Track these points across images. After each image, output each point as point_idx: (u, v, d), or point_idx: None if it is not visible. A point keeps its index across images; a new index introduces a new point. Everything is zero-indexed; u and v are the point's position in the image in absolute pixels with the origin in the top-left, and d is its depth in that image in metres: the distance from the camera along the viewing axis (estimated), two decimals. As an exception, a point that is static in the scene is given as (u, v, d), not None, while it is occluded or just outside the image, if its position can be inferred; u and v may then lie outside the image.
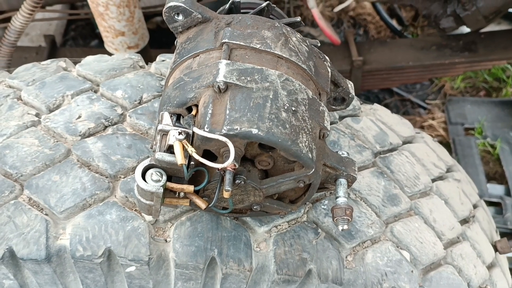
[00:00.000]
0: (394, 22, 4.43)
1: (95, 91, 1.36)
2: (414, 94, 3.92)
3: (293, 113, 0.92)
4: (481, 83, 4.22)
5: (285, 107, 0.91)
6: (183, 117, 0.96)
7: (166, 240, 1.13)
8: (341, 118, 1.45)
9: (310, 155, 0.92)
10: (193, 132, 0.90)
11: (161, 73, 1.41)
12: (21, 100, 1.37)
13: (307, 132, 0.93)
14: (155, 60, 1.48)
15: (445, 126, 3.73)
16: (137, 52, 2.34)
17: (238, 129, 0.86)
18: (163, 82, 1.37)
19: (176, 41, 1.09)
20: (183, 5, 0.99)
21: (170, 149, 0.90)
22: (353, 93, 1.14)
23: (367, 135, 1.43)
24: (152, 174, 0.90)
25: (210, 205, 0.95)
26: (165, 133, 0.92)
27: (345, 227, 1.00)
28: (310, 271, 1.15)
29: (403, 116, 3.75)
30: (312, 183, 0.98)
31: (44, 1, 2.25)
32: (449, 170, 1.60)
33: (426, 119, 3.77)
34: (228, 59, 0.95)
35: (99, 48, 2.87)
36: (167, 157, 0.90)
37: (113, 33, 2.22)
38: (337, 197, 1.03)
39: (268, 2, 1.08)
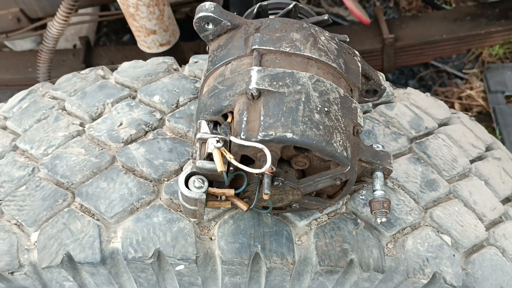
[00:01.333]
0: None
1: (133, 98, 1.41)
2: (450, 65, 3.83)
3: (326, 114, 0.94)
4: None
5: (318, 109, 0.94)
6: (219, 125, 1.00)
7: (211, 239, 1.19)
8: (375, 106, 1.46)
9: (345, 153, 0.94)
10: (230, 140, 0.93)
11: (195, 75, 1.45)
12: (65, 110, 1.44)
13: (341, 131, 0.95)
14: (187, 53, 1.51)
15: (485, 96, 3.64)
16: (170, 48, 2.40)
17: (273, 134, 0.90)
18: (197, 84, 1.41)
19: (208, 48, 1.12)
20: (212, 14, 1.02)
21: (209, 157, 0.94)
22: (385, 85, 1.15)
23: (402, 121, 1.43)
24: (194, 181, 0.95)
25: (250, 207, 0.99)
26: (203, 141, 0.96)
27: (384, 219, 1.03)
28: (351, 261, 1.18)
29: (440, 88, 3.68)
30: (349, 179, 1.01)
31: (78, 6, 2.31)
32: (488, 148, 1.58)
33: (464, 90, 3.68)
34: (259, 65, 0.97)
35: (132, 45, 2.93)
36: (207, 164, 0.94)
37: (144, 32, 2.27)
38: (374, 190, 1.05)
39: (295, 2, 1.10)
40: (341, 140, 0.94)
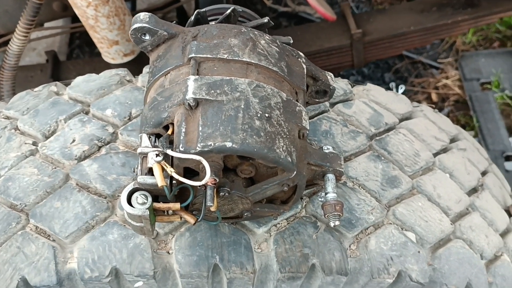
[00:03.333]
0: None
1: (86, 113, 1.38)
2: (425, 55, 3.83)
3: (267, 119, 0.92)
4: (493, 34, 4.09)
5: (258, 115, 0.91)
6: (160, 137, 0.97)
7: (168, 253, 1.16)
8: (332, 105, 1.44)
9: (289, 158, 0.92)
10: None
11: (149, 85, 1.42)
12: (18, 130, 1.40)
13: (284, 136, 0.93)
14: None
15: (461, 84, 3.65)
16: (135, 58, 2.37)
17: (212, 144, 0.87)
18: (150, 95, 1.38)
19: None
20: (147, 25, 0.99)
21: (151, 171, 0.92)
22: (334, 85, 1.13)
23: (361, 119, 1.41)
24: (137, 197, 0.92)
25: (198, 220, 0.96)
26: (144, 155, 0.93)
27: (337, 223, 1.01)
28: (313, 266, 1.16)
29: (416, 79, 3.68)
30: (298, 184, 0.99)
31: (38, 21, 2.27)
32: (453, 140, 1.57)
33: (439, 79, 3.69)
34: (197, 74, 0.95)
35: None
36: (148, 179, 0.91)
37: (107, 43, 2.24)
38: (326, 193, 1.03)
39: (233, 7, 1.07)
40: (285, 146, 0.92)
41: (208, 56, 0.96)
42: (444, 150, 1.50)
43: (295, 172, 0.93)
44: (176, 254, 1.15)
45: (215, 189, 0.91)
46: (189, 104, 0.90)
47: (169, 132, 0.94)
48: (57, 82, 1.52)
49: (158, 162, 0.89)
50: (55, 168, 1.28)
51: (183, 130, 0.90)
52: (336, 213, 0.99)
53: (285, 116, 0.95)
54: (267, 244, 1.18)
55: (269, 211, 1.07)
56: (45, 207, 1.22)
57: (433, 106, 1.76)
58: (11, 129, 1.41)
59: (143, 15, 1.00)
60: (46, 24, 2.81)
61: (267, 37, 1.03)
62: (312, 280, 1.19)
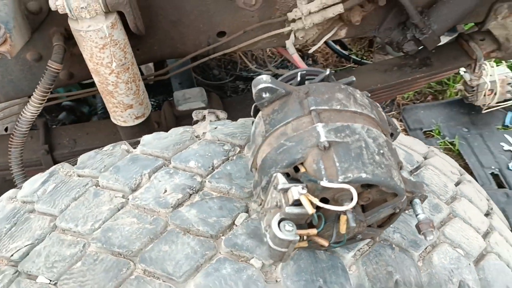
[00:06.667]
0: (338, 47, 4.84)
1: (168, 166, 1.53)
2: (372, 110, 4.27)
3: (382, 155, 1.15)
4: (426, 89, 4.67)
5: (376, 152, 1.14)
6: (289, 175, 1.16)
7: (276, 281, 1.31)
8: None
9: (402, 186, 1.15)
10: (307, 185, 1.10)
11: (218, 139, 1.60)
12: (100, 186, 1.51)
13: (394, 167, 1.16)
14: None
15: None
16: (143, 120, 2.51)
17: (351, 176, 1.08)
18: (225, 147, 1.56)
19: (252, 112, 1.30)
20: (270, 85, 1.20)
21: (294, 203, 1.10)
22: (400, 128, 1.39)
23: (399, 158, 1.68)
24: (285, 225, 1.10)
25: (331, 242, 1.15)
26: (285, 190, 1.12)
27: (431, 237, 1.24)
28: (397, 281, 1.37)
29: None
30: (402, 208, 1.22)
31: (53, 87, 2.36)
32: (461, 174, 1.89)
33: (389, 131, 4.12)
34: (320, 122, 1.17)
35: (91, 121, 2.99)
36: (295, 209, 1.09)
37: (122, 107, 2.36)
38: (417, 215, 1.26)
39: (329, 70, 1.32)
40: (398, 175, 1.15)
41: (326, 107, 1.19)
42: (459, 182, 1.81)
43: (404, 197, 1.16)
44: (285, 281, 1.30)
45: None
46: (324, 145, 1.11)
47: (302, 170, 1.14)
48: (125, 142, 1.65)
49: (304, 194, 1.08)
50: (153, 216, 1.40)
51: (322, 166, 1.10)
52: (430, 229, 1.23)
53: (390, 152, 1.19)
54: (356, 266, 1.37)
55: (370, 234, 1.27)
56: (153, 251, 1.33)
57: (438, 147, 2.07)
58: (93, 186, 1.51)
59: (265, 77, 1.21)
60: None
61: (359, 92, 1.28)
62: (395, 294, 1.39)
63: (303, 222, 1.13)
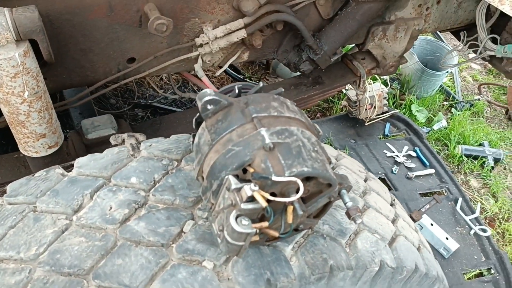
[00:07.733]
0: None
1: (109, 185, 1.56)
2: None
3: (317, 152, 1.33)
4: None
5: (312, 149, 1.32)
6: (238, 177, 1.29)
7: (228, 279, 1.42)
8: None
9: (334, 177, 1.33)
10: (258, 182, 1.24)
11: (155, 155, 1.68)
12: (39, 211, 1.50)
13: (326, 162, 1.34)
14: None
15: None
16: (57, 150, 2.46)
17: (296, 170, 1.24)
18: (163, 162, 1.64)
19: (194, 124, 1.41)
20: (215, 97, 1.33)
21: (247, 200, 1.23)
22: (321, 131, 1.59)
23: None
24: (241, 220, 1.22)
25: (280, 232, 1.29)
26: (238, 189, 1.24)
27: (360, 220, 1.43)
28: (331, 266, 1.54)
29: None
30: (333, 198, 1.40)
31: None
32: (366, 172, 2.15)
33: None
34: (263, 127, 1.31)
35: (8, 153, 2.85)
36: (249, 205, 1.22)
37: (34, 137, 2.31)
38: (346, 203, 1.45)
39: (261, 84, 1.48)
40: (330, 169, 1.33)
41: (265, 114, 1.34)
42: (366, 179, 2.06)
43: (337, 187, 1.35)
44: (237, 277, 1.41)
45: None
46: (269, 146, 1.26)
47: (251, 170, 1.27)
48: (58, 166, 1.65)
49: (257, 191, 1.21)
50: (101, 233, 1.43)
51: (269, 164, 1.25)
52: (359, 214, 1.42)
53: (321, 149, 1.37)
54: (296, 257, 1.52)
55: (309, 224, 1.44)
56: (106, 266, 1.36)
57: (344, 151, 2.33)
58: (30, 211, 1.49)
59: (209, 91, 1.33)
60: None
61: (288, 100, 1.46)
62: (332, 276, 1.56)
63: (255, 217, 1.26)
